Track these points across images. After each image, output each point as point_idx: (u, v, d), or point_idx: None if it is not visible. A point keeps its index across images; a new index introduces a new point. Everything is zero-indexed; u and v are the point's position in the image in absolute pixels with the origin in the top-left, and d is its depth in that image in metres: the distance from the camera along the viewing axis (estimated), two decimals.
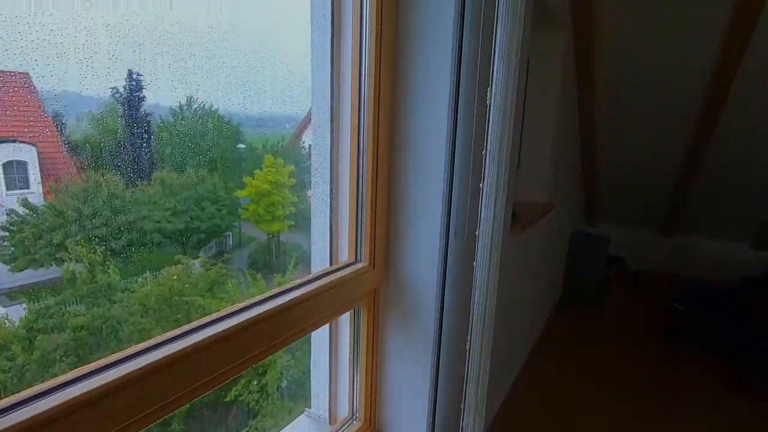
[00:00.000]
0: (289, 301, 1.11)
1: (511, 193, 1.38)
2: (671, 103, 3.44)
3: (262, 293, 1.16)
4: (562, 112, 3.11)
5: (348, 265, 1.35)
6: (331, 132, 1.29)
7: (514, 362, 3.19)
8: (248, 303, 1.07)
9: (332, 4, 1.16)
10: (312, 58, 1.21)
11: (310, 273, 1.36)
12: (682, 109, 3.47)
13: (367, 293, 1.41)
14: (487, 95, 1.06)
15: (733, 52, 2.71)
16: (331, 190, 1.33)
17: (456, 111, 1.10)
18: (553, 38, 2.73)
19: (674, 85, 3.24)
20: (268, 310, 1.05)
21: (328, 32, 1.15)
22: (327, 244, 1.41)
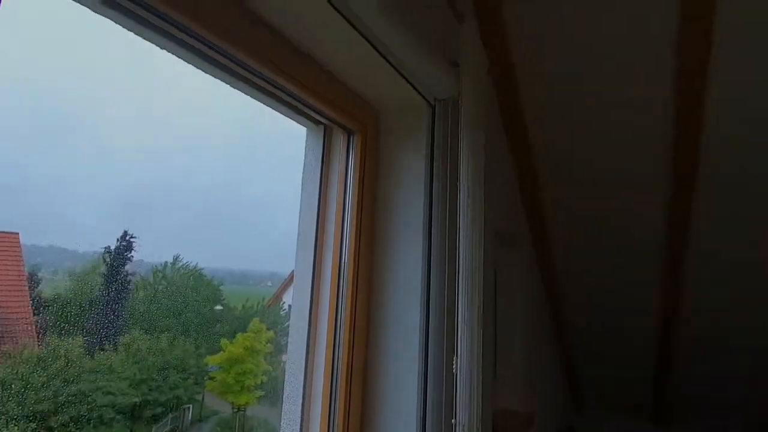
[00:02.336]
0: None
1: None
2: (631, 306, 3.61)
3: None
4: (533, 317, 3.23)
5: None
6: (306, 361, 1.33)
7: None
8: None
9: (320, 188, 1.29)
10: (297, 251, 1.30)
11: None
12: (644, 303, 3.63)
13: None
14: (453, 363, 1.16)
15: (677, 255, 2.99)
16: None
17: (426, 379, 1.20)
18: (515, 255, 3.03)
19: (630, 290, 3.45)
20: None
21: (314, 220, 1.25)
22: None
